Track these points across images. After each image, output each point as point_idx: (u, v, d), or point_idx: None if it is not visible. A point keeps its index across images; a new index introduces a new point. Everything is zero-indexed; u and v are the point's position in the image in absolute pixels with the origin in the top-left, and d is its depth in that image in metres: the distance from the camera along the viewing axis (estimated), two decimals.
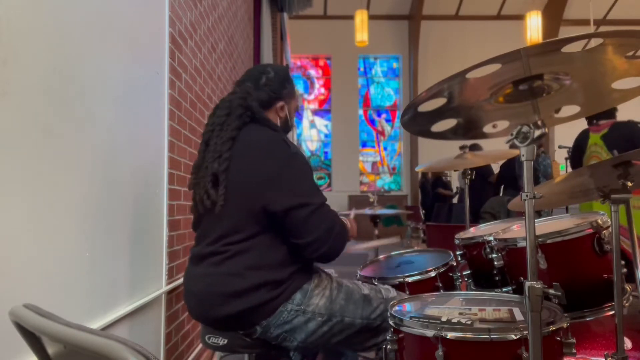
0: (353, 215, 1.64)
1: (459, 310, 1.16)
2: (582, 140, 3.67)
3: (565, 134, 3.90)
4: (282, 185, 1.27)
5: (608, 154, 3.44)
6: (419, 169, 2.32)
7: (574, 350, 1.02)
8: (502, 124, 1.10)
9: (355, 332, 1.36)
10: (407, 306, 1.27)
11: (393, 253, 2.06)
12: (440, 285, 1.61)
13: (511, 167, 4.83)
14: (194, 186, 1.37)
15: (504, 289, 1.52)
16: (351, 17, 8.77)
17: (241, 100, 1.37)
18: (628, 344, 1.30)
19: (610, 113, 3.45)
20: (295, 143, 1.57)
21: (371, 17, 9.25)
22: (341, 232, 1.32)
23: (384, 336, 1.38)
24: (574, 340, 1.03)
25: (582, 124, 3.64)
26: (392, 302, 1.28)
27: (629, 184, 1.15)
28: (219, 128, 1.35)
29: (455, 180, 8.21)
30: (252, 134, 1.35)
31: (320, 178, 12.15)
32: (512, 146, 0.96)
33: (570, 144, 3.84)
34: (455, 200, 7.77)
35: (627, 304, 1.24)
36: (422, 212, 8.20)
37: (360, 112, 12.39)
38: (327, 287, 1.36)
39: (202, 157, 1.37)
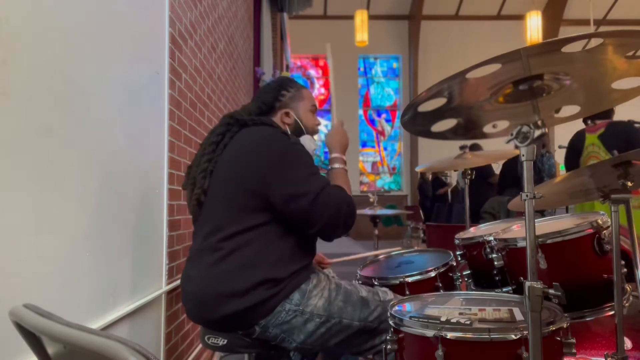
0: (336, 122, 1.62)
1: (459, 310, 1.16)
2: (577, 142, 3.64)
3: (565, 134, 3.90)
4: (279, 174, 1.28)
5: (607, 154, 3.41)
6: (419, 169, 2.32)
7: (574, 350, 1.02)
8: (502, 124, 1.10)
9: (353, 334, 1.36)
10: (407, 306, 1.27)
11: (393, 253, 2.06)
12: (440, 285, 1.60)
13: (513, 167, 4.82)
14: (185, 185, 1.46)
15: (504, 289, 1.52)
16: (351, 17, 8.77)
17: (231, 113, 1.48)
18: (628, 344, 1.30)
19: (607, 113, 3.43)
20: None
21: (371, 17, 9.24)
22: (349, 209, 1.33)
23: (380, 338, 1.38)
24: (574, 340, 1.03)
25: (581, 124, 3.63)
26: (392, 302, 1.28)
27: (629, 184, 1.15)
28: (207, 136, 1.46)
29: (455, 181, 8.20)
30: (251, 132, 1.39)
31: None
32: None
33: None
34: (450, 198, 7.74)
35: (627, 304, 1.24)
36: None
37: (360, 112, 12.38)
38: (326, 287, 1.36)
39: (194, 160, 1.47)
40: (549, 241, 1.28)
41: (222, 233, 1.29)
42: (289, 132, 1.49)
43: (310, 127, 1.57)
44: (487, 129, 1.12)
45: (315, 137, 1.61)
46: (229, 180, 1.33)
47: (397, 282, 1.60)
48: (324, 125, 12.36)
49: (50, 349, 0.61)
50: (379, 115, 12.46)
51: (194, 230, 1.41)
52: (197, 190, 1.36)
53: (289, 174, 1.29)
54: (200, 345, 2.31)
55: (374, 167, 12.36)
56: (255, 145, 1.34)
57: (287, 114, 1.53)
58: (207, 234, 1.32)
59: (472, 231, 1.84)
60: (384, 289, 1.49)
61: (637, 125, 3.38)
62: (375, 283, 1.57)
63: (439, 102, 0.97)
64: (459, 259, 1.71)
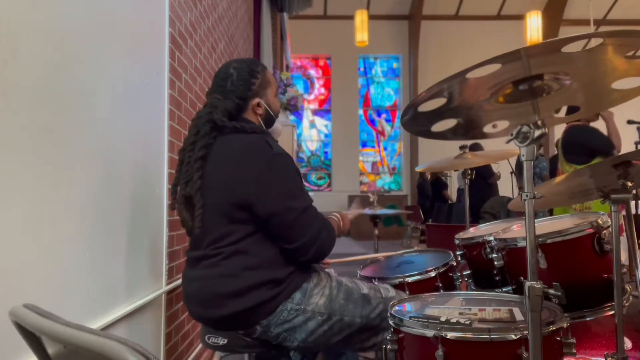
0: (352, 215, 1.65)
1: (459, 310, 1.16)
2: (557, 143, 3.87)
3: None
4: (264, 188, 1.26)
5: (562, 157, 3.62)
6: (419, 169, 2.32)
7: (574, 350, 1.02)
8: (502, 124, 1.10)
9: (355, 332, 1.36)
10: (407, 306, 1.27)
11: (393, 253, 2.06)
12: (440, 285, 1.60)
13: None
14: (174, 206, 1.38)
15: (504, 289, 1.52)
16: (351, 17, 8.76)
17: (208, 115, 1.35)
18: (628, 344, 1.30)
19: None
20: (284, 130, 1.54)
21: (371, 17, 9.24)
22: (327, 236, 1.33)
23: (383, 335, 1.38)
24: (574, 340, 1.03)
25: None
26: (392, 302, 1.29)
27: (629, 184, 1.15)
28: (190, 148, 1.35)
29: (455, 181, 8.20)
30: (231, 142, 1.34)
31: (320, 178, 12.15)
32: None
33: None
34: (454, 199, 7.75)
35: (627, 304, 1.24)
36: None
37: (360, 112, 12.38)
38: (327, 286, 1.36)
39: (177, 177, 1.38)
40: (549, 241, 1.28)
41: (220, 242, 1.29)
42: (264, 127, 1.44)
43: (277, 112, 1.51)
44: (487, 129, 1.12)
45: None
46: (217, 194, 1.30)
47: (397, 282, 1.60)
48: (323, 125, 12.36)
49: (50, 349, 0.61)
50: (379, 115, 12.46)
51: (192, 239, 1.39)
52: (198, 211, 1.30)
53: (275, 188, 1.27)
54: (200, 345, 2.31)
55: (374, 167, 12.36)
56: (239, 157, 1.29)
57: (258, 104, 1.42)
58: (206, 244, 1.31)
59: (472, 231, 1.84)
60: (386, 285, 1.49)
61: (635, 124, 3.39)
62: (375, 283, 1.57)
63: (439, 102, 0.97)
64: (459, 259, 1.71)
